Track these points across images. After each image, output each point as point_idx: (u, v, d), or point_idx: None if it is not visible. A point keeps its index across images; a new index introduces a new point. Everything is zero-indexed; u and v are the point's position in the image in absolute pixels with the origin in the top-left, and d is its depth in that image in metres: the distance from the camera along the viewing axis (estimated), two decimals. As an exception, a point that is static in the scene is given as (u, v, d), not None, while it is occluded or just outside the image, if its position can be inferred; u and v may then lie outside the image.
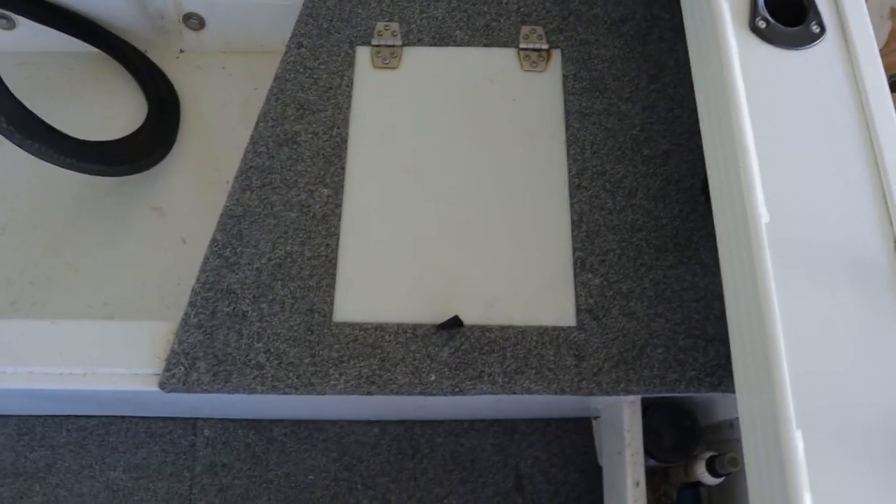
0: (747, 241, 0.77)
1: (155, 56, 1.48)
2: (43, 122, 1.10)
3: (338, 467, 1.26)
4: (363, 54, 1.20)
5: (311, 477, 1.26)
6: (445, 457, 1.27)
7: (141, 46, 1.47)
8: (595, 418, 1.27)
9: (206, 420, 1.28)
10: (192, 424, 1.28)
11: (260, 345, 0.99)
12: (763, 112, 0.82)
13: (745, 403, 0.78)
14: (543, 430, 1.29)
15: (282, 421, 1.28)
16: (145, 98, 1.41)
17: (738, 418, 1.05)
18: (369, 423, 1.28)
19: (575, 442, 1.28)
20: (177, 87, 1.45)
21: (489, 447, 1.27)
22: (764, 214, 0.76)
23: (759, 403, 0.74)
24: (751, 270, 0.76)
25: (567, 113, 1.15)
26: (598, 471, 1.24)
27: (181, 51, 1.50)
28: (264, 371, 0.98)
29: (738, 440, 1.07)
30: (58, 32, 1.40)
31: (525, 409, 1.22)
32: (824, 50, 0.86)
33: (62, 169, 1.15)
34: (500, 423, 1.29)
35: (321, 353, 0.99)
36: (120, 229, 1.33)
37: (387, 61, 1.19)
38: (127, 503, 1.25)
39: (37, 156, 1.11)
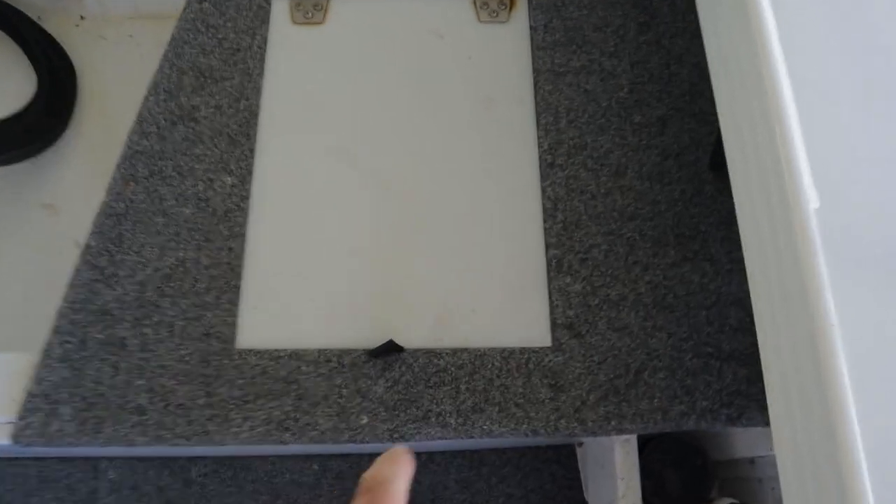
0: (789, 234, 0.54)
1: (50, 24, 1.23)
2: None
3: (271, 514, 1.04)
4: (280, 7, 0.96)
5: (239, 527, 1.04)
6: (402, 498, 1.05)
7: (33, 13, 1.23)
8: (579, 444, 1.04)
9: (110, 460, 1.06)
10: (93, 466, 1.06)
11: (141, 382, 0.76)
12: (804, 57, 0.59)
13: (788, 463, 0.55)
14: (517, 461, 1.08)
15: (201, 458, 1.06)
16: (35, 74, 1.17)
17: (761, 456, 0.83)
18: (307, 459, 1.06)
19: (556, 474, 1.07)
20: (76, 60, 1.22)
21: (452, 484, 1.06)
22: (813, 198, 0.53)
23: (812, 461, 0.52)
24: (795, 273, 0.53)
25: (536, 72, 0.92)
26: (586, 508, 1.02)
27: (81, 17, 1.26)
28: (146, 417, 0.75)
29: (760, 481, 0.85)
30: (-71, -3, 1.16)
31: (494, 440, 1.00)
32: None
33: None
34: (465, 455, 1.07)
35: (220, 390, 0.76)
36: (2, 231, 1.10)
37: (309, 15, 0.95)
38: (17, 565, 1.02)
39: None
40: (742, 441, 0.85)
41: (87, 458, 1.06)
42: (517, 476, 1.06)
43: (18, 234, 1.11)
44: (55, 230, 1.11)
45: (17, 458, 1.06)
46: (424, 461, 1.05)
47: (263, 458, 1.05)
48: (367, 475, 0.37)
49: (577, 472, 1.06)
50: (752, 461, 0.86)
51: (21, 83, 1.19)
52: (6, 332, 1.04)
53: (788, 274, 0.53)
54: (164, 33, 1.20)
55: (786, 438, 0.55)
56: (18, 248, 1.10)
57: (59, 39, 1.23)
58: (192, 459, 1.05)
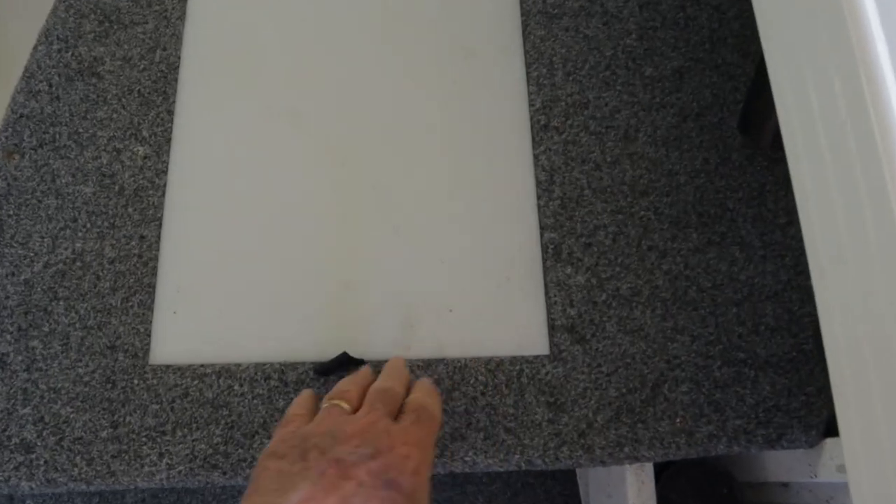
0: (882, 208, 0.38)
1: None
2: None
3: (217, 548, 0.89)
4: (208, -64, 0.78)
5: (179, 564, 0.88)
6: (372, 523, 0.89)
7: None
8: (580, 457, 0.89)
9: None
10: (8, 496, 0.89)
11: (27, 410, 0.60)
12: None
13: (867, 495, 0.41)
14: (507, 478, 0.93)
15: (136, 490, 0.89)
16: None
17: (799, 482, 0.69)
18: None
19: (552, 493, 0.92)
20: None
21: (432, 506, 0.90)
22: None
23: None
24: (886, 251, 0.38)
25: (525, 15, 0.75)
26: (586, 530, 0.87)
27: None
28: (34, 455, 0.59)
29: (798, 509, 0.70)
30: None
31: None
32: None
33: None
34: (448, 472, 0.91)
35: (129, 419, 0.60)
36: None
37: (244, -56, 0.77)
38: None
39: None
40: (775, 462, 0.70)
41: (-6, 487, 0.89)
42: (507, 494, 0.92)
43: None
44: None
45: None
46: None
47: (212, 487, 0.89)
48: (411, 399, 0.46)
49: (576, 488, 0.91)
50: (785, 485, 0.71)
51: None
52: None
53: (874, 251, 0.38)
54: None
55: (864, 465, 0.41)
56: None
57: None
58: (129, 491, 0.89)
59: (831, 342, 0.46)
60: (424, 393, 0.48)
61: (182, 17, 0.73)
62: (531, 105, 0.71)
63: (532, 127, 0.70)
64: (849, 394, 0.44)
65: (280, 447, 0.42)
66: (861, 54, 0.40)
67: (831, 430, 0.61)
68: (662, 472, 0.70)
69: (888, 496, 0.39)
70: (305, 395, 0.51)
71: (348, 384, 0.49)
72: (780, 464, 0.69)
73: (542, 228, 0.66)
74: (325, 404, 0.47)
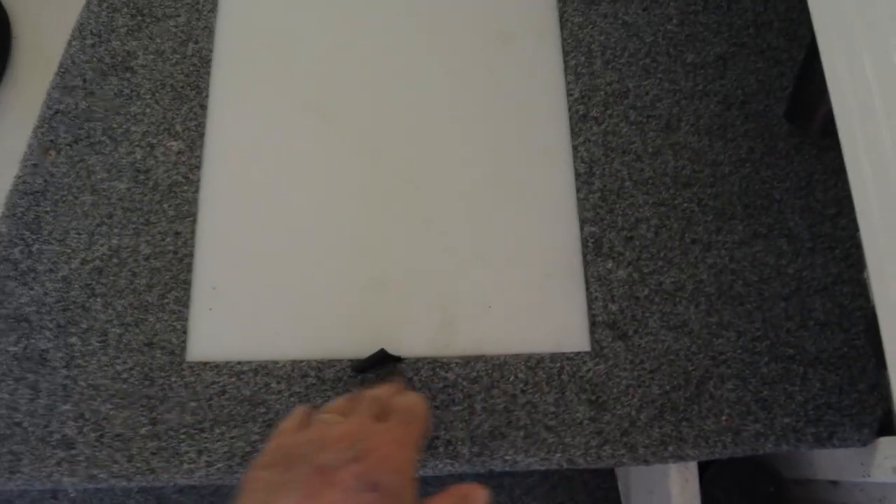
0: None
1: (-23, -37, 1.05)
2: None
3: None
4: (239, -74, 0.77)
5: (217, 554, 0.89)
6: (407, 516, 0.89)
7: (-43, -50, 1.04)
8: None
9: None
10: (51, 491, 0.91)
11: (68, 407, 0.60)
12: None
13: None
14: (544, 471, 0.91)
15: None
16: (-41, 22, 0.99)
17: (847, 481, 0.67)
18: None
19: (590, 486, 0.91)
20: (6, 4, 1.03)
21: (469, 500, 0.89)
22: None
23: None
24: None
25: (562, 2, 0.73)
26: (624, 526, 0.86)
27: (13, -46, 1.07)
28: (75, 451, 0.59)
29: (847, 507, 0.68)
30: None
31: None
32: None
33: None
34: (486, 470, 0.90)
35: (167, 416, 0.60)
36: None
37: (275, -66, 0.76)
38: None
39: None
40: (824, 460, 0.68)
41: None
42: (544, 487, 0.91)
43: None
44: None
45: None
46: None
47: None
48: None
49: (615, 481, 0.90)
50: (835, 483, 0.69)
51: (-58, 35, 1.01)
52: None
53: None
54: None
55: None
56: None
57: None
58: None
59: (892, 338, 0.44)
60: (410, 396, 0.48)
61: (214, 9, 0.73)
62: (569, 95, 0.69)
63: (570, 117, 0.68)
64: None
65: (268, 458, 0.42)
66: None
67: (885, 428, 0.59)
68: (707, 469, 0.68)
69: None
70: (298, 409, 0.51)
71: (341, 399, 0.49)
72: (831, 462, 0.67)
73: (583, 222, 0.65)
74: (316, 418, 0.47)
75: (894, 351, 0.43)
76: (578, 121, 0.68)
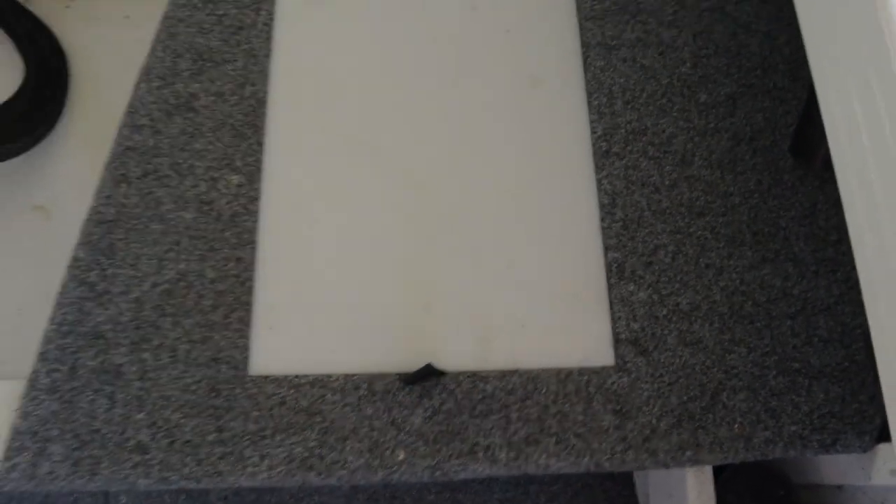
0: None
1: (37, 6, 1.13)
2: None
3: (295, 542, 0.95)
4: (289, -22, 0.85)
5: (260, 556, 0.95)
6: (438, 521, 0.96)
7: (17, -6, 1.12)
8: (636, 461, 0.94)
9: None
10: (104, 491, 0.97)
11: (142, 415, 0.67)
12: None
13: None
14: (567, 478, 0.98)
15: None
16: (22, 61, 1.07)
17: (853, 485, 0.73)
18: (335, 483, 0.96)
19: (610, 493, 0.97)
20: (65, 45, 1.11)
21: (496, 504, 0.96)
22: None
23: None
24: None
25: (585, 47, 0.81)
26: (642, 532, 0.92)
27: (71, -2, 1.15)
28: (149, 456, 0.66)
29: (851, 510, 0.74)
30: None
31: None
32: None
33: None
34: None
35: (231, 424, 0.66)
36: (-12, 238, 1.00)
37: (323, -15, 0.84)
38: None
39: None
40: (830, 466, 0.74)
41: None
42: (567, 494, 0.97)
43: (8, 240, 1.01)
44: (48, 236, 1.01)
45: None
46: (466, 480, 0.95)
47: (285, 482, 0.96)
48: None
49: (633, 489, 0.96)
50: (840, 488, 0.75)
51: (7, 71, 1.09)
52: (-3, 348, 0.95)
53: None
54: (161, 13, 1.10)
55: None
56: (8, 256, 1.00)
57: (47, 22, 1.12)
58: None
59: (883, 353, 0.50)
60: None
61: (268, 55, 0.80)
62: (593, 132, 0.76)
63: (594, 153, 0.75)
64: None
65: None
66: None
67: (884, 435, 0.65)
68: (720, 473, 0.74)
69: None
70: None
71: None
72: (835, 467, 0.73)
73: (606, 248, 0.72)
74: None
75: (885, 365, 0.49)
76: (601, 156, 0.75)
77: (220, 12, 0.82)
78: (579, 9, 0.83)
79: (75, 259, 0.72)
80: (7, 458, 0.66)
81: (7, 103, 1.02)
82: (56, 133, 1.07)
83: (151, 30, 1.11)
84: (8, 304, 0.98)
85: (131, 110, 0.78)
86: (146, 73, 0.79)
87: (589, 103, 0.78)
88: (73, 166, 1.05)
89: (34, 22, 1.12)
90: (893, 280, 0.48)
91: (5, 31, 1.11)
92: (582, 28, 0.81)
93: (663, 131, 0.76)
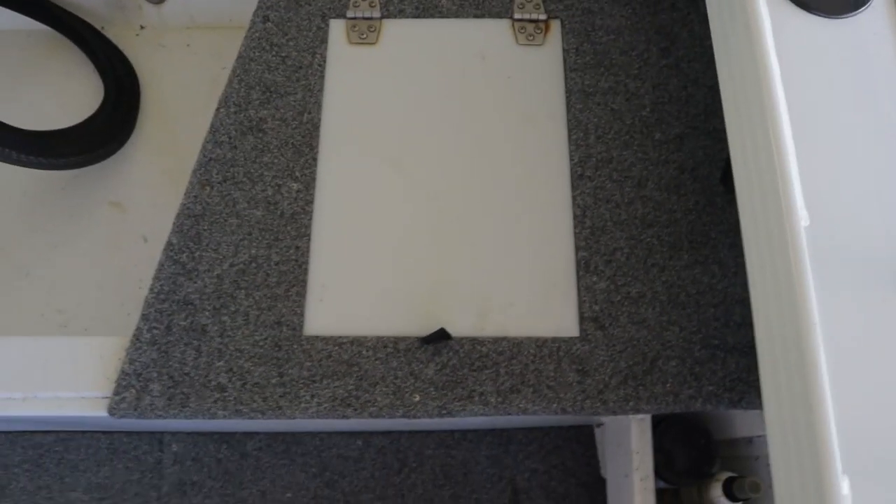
0: (783, 246, 0.65)
1: (112, 33, 1.34)
2: (-23, 111, 0.97)
3: (318, 483, 1.16)
4: (337, 28, 1.07)
5: (288, 494, 1.16)
6: (435, 470, 1.17)
7: (97, 23, 1.33)
8: (598, 426, 1.16)
9: (173, 434, 1.17)
10: (158, 439, 1.17)
11: (221, 363, 0.88)
12: (800, 93, 0.70)
13: (776, 435, 0.66)
14: (542, 439, 1.19)
15: (256, 434, 1.17)
16: (101, 80, 1.28)
17: (758, 436, 0.95)
18: (352, 435, 1.17)
19: (576, 452, 1.18)
20: (136, 68, 1.32)
21: (483, 459, 1.17)
22: (804, 217, 0.64)
23: (795, 437, 0.63)
24: (787, 280, 0.64)
25: (568, 92, 1.03)
26: (601, 483, 1.13)
27: (141, 27, 1.36)
28: (226, 393, 0.86)
29: (758, 458, 0.96)
30: (4, 8, 1.27)
31: (522, 419, 1.11)
32: (870, 18, 0.73)
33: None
34: (495, 434, 1.18)
35: (290, 371, 0.87)
36: (75, 228, 1.21)
37: (364, 36, 1.06)
38: (89, 526, 1.14)
39: (-29, 148, 0.98)
40: (742, 422, 0.96)
41: (152, 433, 1.17)
42: (541, 453, 1.17)
43: (90, 230, 1.21)
44: (123, 226, 1.22)
45: (87, 431, 1.17)
46: (458, 438, 1.16)
47: (313, 434, 1.16)
48: None
49: (595, 450, 1.17)
50: (750, 440, 0.97)
51: (88, 90, 1.30)
52: (83, 316, 1.16)
53: (781, 279, 0.65)
54: (218, 42, 1.32)
55: (774, 413, 0.67)
56: (91, 243, 1.21)
57: (121, 48, 1.33)
58: (248, 434, 1.17)
59: (758, 334, 0.71)
60: None
61: (321, 90, 1.02)
62: (571, 160, 0.98)
63: (571, 175, 0.97)
64: (766, 367, 0.69)
65: None
66: (775, 144, 0.67)
67: (776, 395, 0.87)
68: (657, 426, 0.96)
69: (783, 430, 0.63)
70: None
71: None
72: (745, 423, 0.95)
73: (577, 248, 0.93)
74: None
75: (763, 355, 0.69)
76: (577, 178, 0.97)
77: (284, 54, 1.04)
78: (565, 61, 1.04)
79: (169, 244, 0.93)
80: (116, 393, 0.87)
81: (90, 118, 1.21)
82: (129, 143, 1.28)
83: (208, 56, 1.34)
84: (89, 281, 1.19)
85: (213, 129, 0.99)
86: (225, 101, 1.01)
87: (569, 137, 1.00)
88: (143, 170, 1.26)
89: (111, 47, 1.32)
90: (763, 284, 0.69)
91: (87, 54, 1.31)
92: (566, 77, 1.03)
93: (625, 160, 0.98)
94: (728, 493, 0.91)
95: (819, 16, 0.72)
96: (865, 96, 0.71)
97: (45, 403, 0.87)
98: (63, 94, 1.30)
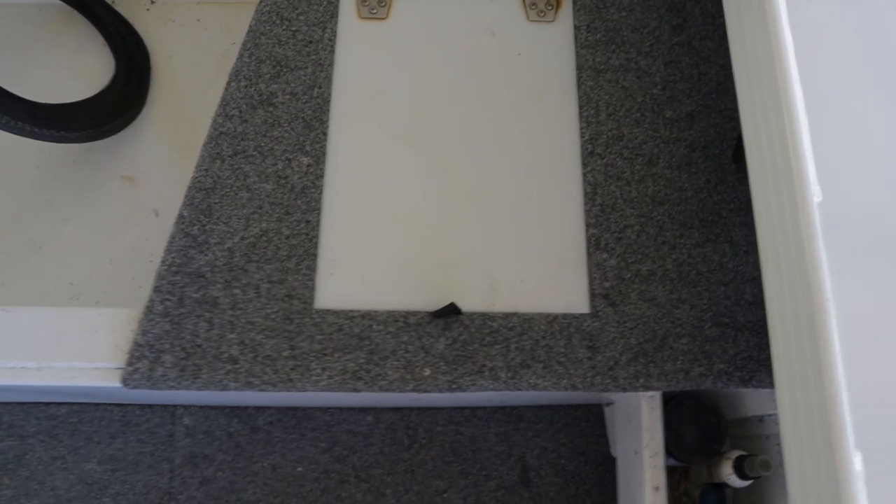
0: (796, 223, 0.65)
1: (123, 7, 1.34)
2: (-11, 84, 0.98)
3: (328, 458, 1.17)
4: (347, 3, 1.06)
5: (299, 468, 1.17)
6: (445, 447, 1.17)
7: (108, -3, 1.33)
8: (608, 405, 1.16)
9: (186, 407, 1.19)
10: (171, 412, 1.19)
11: (233, 335, 0.88)
12: (814, 70, 0.69)
13: (788, 412, 0.67)
14: (551, 417, 1.19)
15: (267, 408, 1.18)
16: (112, 55, 1.28)
17: (768, 415, 0.95)
18: (362, 411, 1.18)
19: (585, 430, 1.18)
20: (147, 42, 1.32)
21: (492, 436, 1.18)
22: (816, 192, 0.64)
23: (807, 415, 0.63)
24: (799, 257, 0.64)
25: (579, 69, 1.02)
26: (610, 462, 1.14)
27: (152, 2, 1.36)
28: (238, 365, 0.87)
29: (768, 437, 0.96)
30: (15, -18, 1.27)
31: (532, 397, 1.12)
32: (888, -7, 0.73)
33: (20, 135, 1.03)
34: (505, 411, 1.18)
35: (301, 344, 0.88)
36: (87, 201, 1.22)
37: (374, 11, 1.05)
38: (102, 497, 1.15)
39: (-16, 121, 0.98)
40: (752, 401, 0.96)
41: (165, 405, 1.18)
42: (550, 431, 1.18)
43: (102, 203, 1.22)
44: (134, 200, 1.22)
45: (101, 403, 1.19)
46: (468, 415, 1.17)
47: (323, 409, 1.17)
48: None
49: (604, 429, 1.17)
50: (760, 419, 0.97)
51: (99, 64, 1.30)
52: (95, 289, 1.17)
53: (793, 256, 0.65)
54: (229, 17, 1.32)
55: (786, 391, 0.67)
56: (102, 216, 1.21)
57: (131, 22, 1.33)
58: (260, 409, 1.18)
59: (769, 312, 0.71)
60: None
61: (332, 64, 1.02)
62: (581, 136, 0.98)
63: (581, 153, 0.97)
64: (778, 346, 0.69)
65: None
66: (788, 119, 0.67)
67: (785, 373, 0.87)
68: (668, 404, 0.96)
69: (795, 409, 0.64)
70: None
71: None
72: (756, 402, 0.95)
73: (587, 226, 0.93)
74: None
75: (775, 333, 0.69)
76: (587, 156, 0.97)
77: (294, 28, 1.03)
78: (576, 38, 1.04)
79: (181, 217, 0.94)
80: (129, 364, 0.87)
81: (102, 93, 1.22)
82: (140, 117, 1.28)
83: (219, 31, 1.33)
84: (102, 254, 1.19)
85: (224, 103, 0.99)
86: (235, 75, 1.00)
87: (580, 114, 0.99)
88: (154, 144, 1.26)
89: (122, 21, 1.32)
90: (775, 262, 0.69)
91: (98, 29, 1.31)
92: (577, 54, 1.03)
93: (636, 138, 0.98)
94: (738, 471, 0.91)
95: (836, -10, 0.72)
96: (880, 73, 0.70)
97: (58, 373, 0.88)
98: (74, 68, 1.30)
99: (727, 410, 1.00)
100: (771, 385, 0.88)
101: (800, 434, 0.64)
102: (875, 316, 0.62)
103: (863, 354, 0.60)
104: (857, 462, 0.57)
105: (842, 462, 0.58)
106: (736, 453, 0.93)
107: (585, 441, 1.18)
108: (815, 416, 0.61)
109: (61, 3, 1.30)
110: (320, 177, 0.96)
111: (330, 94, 1.00)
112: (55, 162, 1.24)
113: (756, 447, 0.98)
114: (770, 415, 0.95)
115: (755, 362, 0.88)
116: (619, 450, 1.05)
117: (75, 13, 1.31)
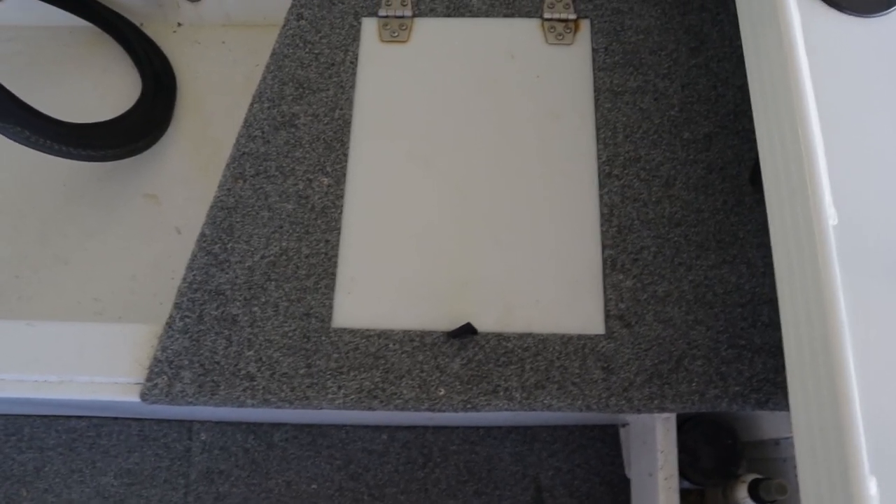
0: (811, 245, 0.65)
1: (150, 30, 1.37)
2: (21, 104, 1.01)
3: (343, 476, 1.17)
4: (369, 26, 1.08)
5: (313, 486, 1.17)
6: (459, 466, 1.18)
7: (135, 20, 1.37)
8: (623, 426, 1.16)
9: (202, 423, 1.20)
10: (187, 428, 1.20)
11: (251, 353, 0.89)
12: (830, 92, 0.70)
13: (803, 436, 0.66)
14: (566, 438, 1.19)
15: (283, 425, 1.19)
16: (139, 75, 1.31)
17: (785, 438, 0.94)
18: (377, 429, 1.18)
19: (600, 451, 1.18)
20: (173, 64, 1.35)
21: (507, 456, 1.18)
22: (832, 215, 0.64)
23: (822, 438, 0.63)
24: (814, 280, 0.64)
25: (597, 91, 1.03)
26: (625, 483, 1.13)
27: (178, 24, 1.39)
28: (255, 382, 0.88)
29: (784, 461, 0.96)
30: (47, 5, 1.31)
31: (546, 417, 1.12)
32: (904, 17, 0.73)
33: (48, 154, 1.06)
34: (519, 431, 1.18)
35: (318, 362, 0.89)
36: (112, 218, 1.24)
37: (395, 34, 1.07)
38: (119, 511, 1.17)
39: (15, 140, 1.01)
40: (769, 424, 0.95)
41: (181, 421, 1.20)
42: (565, 451, 1.18)
43: (126, 221, 1.25)
44: (158, 218, 1.25)
45: (119, 418, 1.20)
46: (482, 435, 1.17)
47: (338, 427, 1.18)
48: None
49: (619, 450, 1.17)
50: (777, 442, 0.96)
51: (127, 85, 1.33)
52: (118, 305, 1.19)
53: (809, 279, 0.65)
54: (253, 40, 1.35)
55: (801, 414, 0.67)
56: (126, 233, 1.24)
57: (158, 44, 1.36)
58: (275, 425, 1.19)
59: (785, 335, 0.71)
60: None
61: (353, 87, 1.03)
62: (599, 158, 0.99)
63: (599, 174, 0.98)
64: (793, 369, 0.69)
65: None
66: (804, 142, 0.67)
67: (803, 396, 0.86)
68: (683, 425, 0.96)
69: (810, 431, 0.63)
70: None
71: None
72: (772, 424, 0.94)
73: (604, 247, 0.94)
74: None
75: (790, 355, 0.69)
76: (604, 177, 0.97)
77: (317, 51, 1.05)
78: (594, 61, 1.05)
79: (203, 235, 0.95)
80: (149, 380, 0.89)
81: (128, 112, 1.25)
82: (165, 137, 1.31)
83: (243, 53, 1.36)
84: (124, 270, 1.22)
85: (247, 124, 1.01)
86: (259, 96, 1.03)
87: (597, 136, 1.00)
88: (178, 163, 1.29)
89: (149, 43, 1.35)
90: (791, 284, 0.69)
91: (126, 50, 1.34)
92: (595, 76, 1.04)
93: (653, 160, 0.98)
94: (754, 494, 0.91)
95: (850, 14, 0.72)
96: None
97: (79, 387, 0.89)
98: (103, 89, 1.34)
99: (743, 432, 1.00)
100: (787, 408, 0.87)
101: (815, 457, 0.64)
102: (890, 339, 0.62)
103: (878, 378, 0.60)
104: (871, 487, 0.57)
105: (857, 486, 0.57)
106: (751, 476, 0.92)
107: (600, 462, 1.18)
108: (830, 439, 0.61)
109: (92, 25, 1.33)
110: (340, 197, 0.97)
111: (351, 116, 1.02)
112: (81, 179, 1.26)
113: (772, 470, 0.97)
114: (787, 438, 0.94)
115: (771, 385, 0.88)
116: (634, 471, 1.04)
117: (105, 35, 1.34)
